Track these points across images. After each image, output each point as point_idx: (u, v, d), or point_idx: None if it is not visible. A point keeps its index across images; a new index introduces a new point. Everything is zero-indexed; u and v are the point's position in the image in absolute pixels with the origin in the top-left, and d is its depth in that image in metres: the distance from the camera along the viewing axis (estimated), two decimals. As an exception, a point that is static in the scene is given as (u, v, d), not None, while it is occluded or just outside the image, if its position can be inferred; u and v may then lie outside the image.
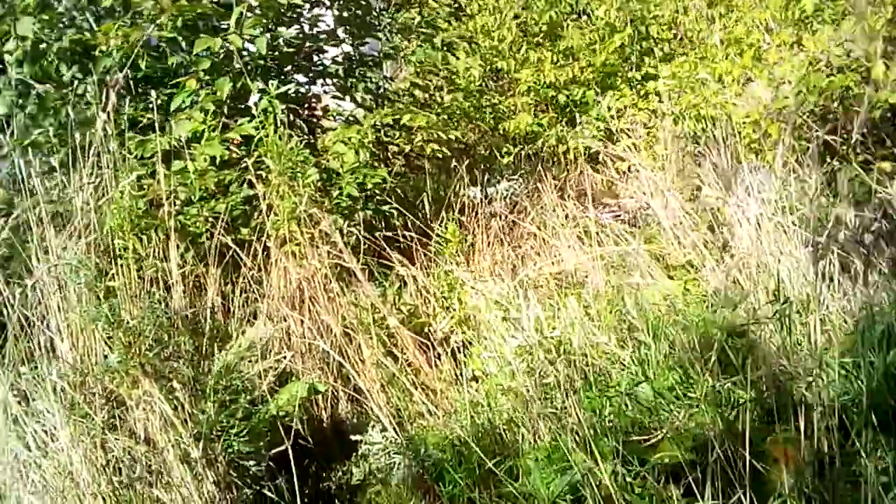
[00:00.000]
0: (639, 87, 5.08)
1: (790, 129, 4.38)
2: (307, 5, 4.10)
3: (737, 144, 4.08)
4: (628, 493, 2.01)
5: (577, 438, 2.22)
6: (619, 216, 3.85)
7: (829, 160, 4.24)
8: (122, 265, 2.94)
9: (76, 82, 3.73)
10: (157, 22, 3.62)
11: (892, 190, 2.98)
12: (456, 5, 4.45)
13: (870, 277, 2.81)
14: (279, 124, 3.37)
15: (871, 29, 3.63)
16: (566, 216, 3.53)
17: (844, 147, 4.27)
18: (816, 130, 4.59)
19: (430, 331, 3.02)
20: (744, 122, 4.48)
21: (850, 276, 2.86)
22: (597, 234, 3.30)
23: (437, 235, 3.39)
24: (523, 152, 4.78)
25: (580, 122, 4.83)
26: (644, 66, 5.21)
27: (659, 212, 3.39)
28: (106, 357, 2.61)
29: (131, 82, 3.67)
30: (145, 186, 3.35)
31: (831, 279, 2.86)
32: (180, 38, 3.77)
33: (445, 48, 4.08)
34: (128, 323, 2.68)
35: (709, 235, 3.36)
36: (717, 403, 2.23)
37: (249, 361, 2.75)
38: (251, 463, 2.48)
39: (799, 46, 4.76)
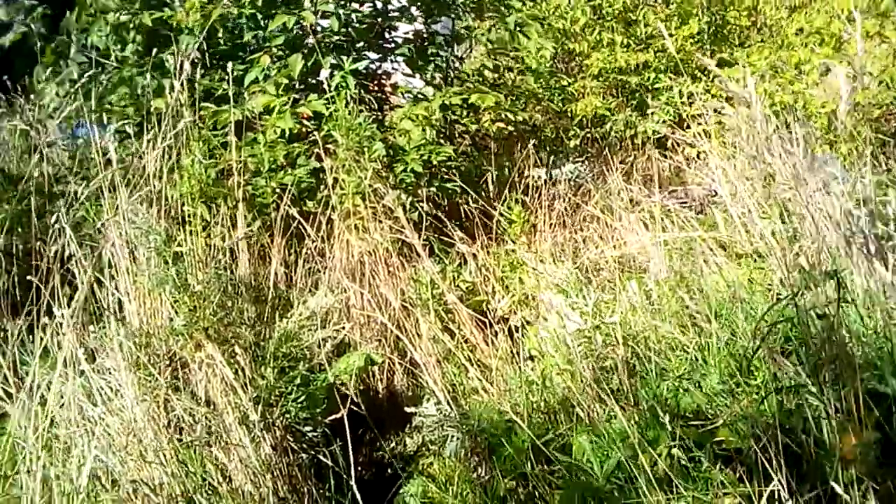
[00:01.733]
0: (714, 73, 4.95)
1: (868, 120, 4.22)
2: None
3: (811, 134, 3.95)
4: (682, 476, 1.98)
5: (633, 420, 2.20)
6: (686, 203, 3.76)
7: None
8: (190, 231, 3.03)
9: (154, 53, 3.84)
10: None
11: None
12: (530, -15, 4.41)
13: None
14: (349, 100, 3.42)
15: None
16: (631, 200, 3.47)
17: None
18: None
19: (488, 309, 3.02)
20: (820, 112, 4.33)
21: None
22: (662, 219, 3.23)
23: (500, 215, 3.38)
24: (590, 135, 4.72)
25: (650, 107, 4.74)
26: (719, 53, 5.08)
27: (727, 199, 3.30)
28: (171, 320, 2.69)
29: (207, 55, 3.77)
30: (217, 156, 3.44)
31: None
32: (259, 15, 3.84)
33: (518, 28, 4.05)
34: (193, 287, 2.76)
35: (777, 225, 3.26)
36: (778, 391, 2.17)
37: (309, 330, 2.80)
38: (307, 428, 2.53)
39: (881, 38, 4.57)
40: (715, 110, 3.85)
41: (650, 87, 4.93)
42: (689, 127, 4.25)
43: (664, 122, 4.57)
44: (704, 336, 2.60)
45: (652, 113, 4.69)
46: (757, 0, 5.57)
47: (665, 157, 4.40)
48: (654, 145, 4.40)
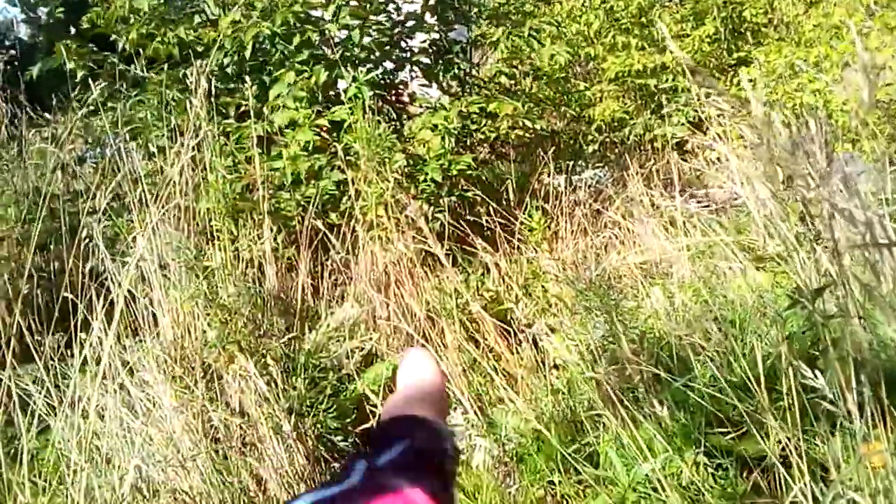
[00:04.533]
0: (731, 72, 4.94)
1: (890, 117, 4.20)
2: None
3: (833, 133, 3.94)
4: (709, 484, 2.01)
5: (659, 428, 2.23)
6: (707, 206, 3.77)
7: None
8: (218, 245, 3.09)
9: (180, 68, 3.89)
10: (270, 18, 3.76)
11: None
12: (544, -9, 4.43)
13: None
14: (367, 110, 3.46)
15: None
16: (652, 205, 3.48)
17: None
18: (920, 119, 4.38)
19: (511, 317, 3.06)
20: (841, 110, 4.32)
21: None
22: (683, 223, 3.25)
23: (521, 223, 3.41)
24: (608, 140, 4.73)
25: (668, 110, 4.75)
26: (737, 52, 5.07)
27: (748, 202, 3.31)
28: (205, 332, 2.76)
29: (230, 70, 3.83)
30: (241, 171, 3.50)
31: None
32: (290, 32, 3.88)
33: (532, 34, 4.07)
34: (224, 301, 2.83)
35: (801, 227, 3.26)
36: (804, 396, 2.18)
37: (337, 341, 2.85)
38: (338, 438, 2.58)
39: (902, 32, 4.55)
40: (733, 113, 3.85)
41: (668, 90, 4.93)
42: (708, 129, 4.25)
43: (683, 124, 4.57)
44: (729, 342, 2.62)
45: (670, 115, 4.70)
46: (772, -3, 5.55)
47: (685, 160, 4.40)
48: (674, 148, 4.40)
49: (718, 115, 4.18)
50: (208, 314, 2.75)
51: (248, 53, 3.68)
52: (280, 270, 3.18)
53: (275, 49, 3.87)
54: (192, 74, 3.66)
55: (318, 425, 2.56)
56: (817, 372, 2.01)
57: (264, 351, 2.70)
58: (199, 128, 3.23)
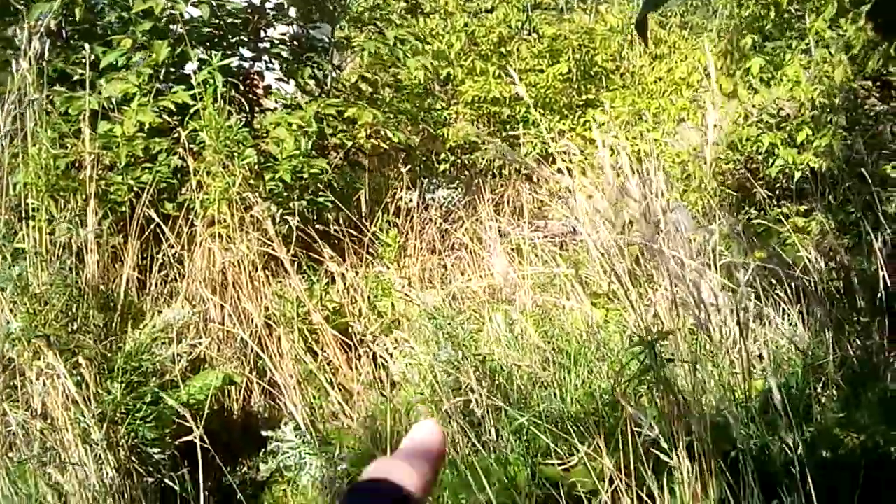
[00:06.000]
0: (579, 112, 5.17)
1: (715, 174, 4.57)
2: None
3: (667, 181, 4.23)
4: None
5: (495, 457, 2.24)
6: (547, 237, 3.90)
7: (748, 208, 4.48)
8: (33, 226, 2.76)
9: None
10: None
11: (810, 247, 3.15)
12: (413, 2, 4.39)
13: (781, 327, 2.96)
14: (218, 98, 3.25)
15: (805, 95, 3.86)
16: (499, 231, 3.54)
17: (766, 198, 4.50)
18: (739, 178, 4.82)
19: (353, 331, 2.97)
20: (674, 161, 4.65)
21: (762, 323, 3.00)
22: (527, 252, 3.33)
23: (372, 236, 3.34)
24: (460, 161, 4.78)
25: (520, 140, 4.88)
26: (586, 93, 5.32)
27: (588, 239, 3.45)
28: (8, 323, 2.44)
29: (65, 33, 3.46)
30: (68, 146, 3.16)
31: (745, 325, 3.00)
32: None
33: (396, 43, 4.01)
34: (35, 289, 2.52)
35: (634, 268, 3.45)
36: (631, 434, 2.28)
37: (163, 343, 2.62)
38: (155, 450, 2.37)
39: (735, 95, 4.99)
40: (581, 151, 4.01)
41: (520, 120, 5.07)
42: (554, 161, 4.41)
43: (531, 154, 4.72)
44: (563, 373, 2.70)
45: (521, 145, 4.83)
46: (622, 46, 5.89)
47: (532, 190, 4.54)
48: (522, 177, 4.53)
49: (564, 152, 4.34)
50: (14, 302, 2.44)
51: (78, 13, 3.33)
52: (103, 260, 2.89)
53: (113, 13, 3.54)
54: (21, 32, 3.26)
55: (133, 435, 2.33)
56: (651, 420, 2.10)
57: (76, 348, 2.43)
58: (24, 93, 2.88)
